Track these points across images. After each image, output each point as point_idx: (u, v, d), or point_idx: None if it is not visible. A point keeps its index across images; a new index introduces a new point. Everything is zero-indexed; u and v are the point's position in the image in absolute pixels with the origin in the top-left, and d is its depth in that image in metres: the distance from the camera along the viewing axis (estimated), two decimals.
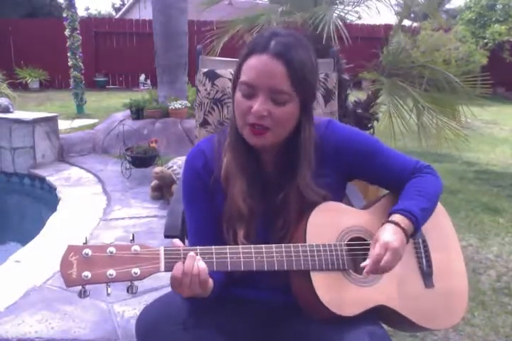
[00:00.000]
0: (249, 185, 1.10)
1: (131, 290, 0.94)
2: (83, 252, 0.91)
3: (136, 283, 0.94)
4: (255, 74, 1.02)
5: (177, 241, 0.99)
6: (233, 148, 1.12)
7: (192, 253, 0.96)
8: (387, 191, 1.26)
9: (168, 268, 0.95)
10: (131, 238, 0.97)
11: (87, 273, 0.90)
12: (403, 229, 1.06)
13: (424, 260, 1.15)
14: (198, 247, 0.98)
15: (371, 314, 1.07)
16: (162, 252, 0.95)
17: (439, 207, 1.22)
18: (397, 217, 1.08)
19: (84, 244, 0.93)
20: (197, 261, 0.95)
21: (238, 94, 1.06)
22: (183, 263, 0.94)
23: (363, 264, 1.03)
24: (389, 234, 1.05)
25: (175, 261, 0.95)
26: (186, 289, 0.96)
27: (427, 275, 1.14)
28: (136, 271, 0.92)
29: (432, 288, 1.13)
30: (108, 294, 0.91)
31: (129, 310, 2.19)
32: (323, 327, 1.06)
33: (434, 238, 1.18)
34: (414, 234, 1.10)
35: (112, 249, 0.93)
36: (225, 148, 1.14)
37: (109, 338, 1.99)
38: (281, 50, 1.01)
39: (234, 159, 1.11)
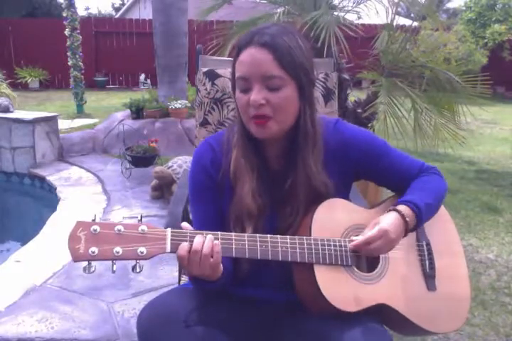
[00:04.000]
0: (257, 183, 1.11)
1: (135, 270, 0.95)
2: (91, 228, 0.92)
3: (141, 262, 0.94)
4: (245, 67, 1.05)
5: (185, 224, 0.99)
6: (240, 146, 1.14)
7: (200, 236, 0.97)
8: (389, 191, 1.26)
9: (174, 249, 0.95)
10: (138, 218, 0.98)
11: (94, 249, 0.91)
12: (405, 220, 1.08)
13: (427, 263, 1.15)
14: (204, 231, 0.99)
15: (372, 313, 1.07)
16: (169, 233, 0.96)
17: (444, 211, 1.23)
18: (402, 207, 1.10)
19: (92, 220, 0.94)
20: (211, 241, 0.96)
21: (237, 92, 1.09)
22: (190, 243, 0.95)
23: (353, 237, 1.05)
24: (390, 223, 1.06)
25: (181, 242, 0.96)
26: (196, 267, 0.96)
27: (429, 278, 1.14)
28: (142, 250, 0.93)
29: (434, 291, 1.13)
30: (113, 271, 0.93)
31: (129, 309, 2.18)
32: (324, 324, 1.06)
33: (438, 242, 1.18)
34: (415, 228, 1.11)
35: (120, 227, 0.94)
36: (233, 144, 1.15)
37: (109, 338, 1.98)
38: (265, 39, 1.04)
39: (242, 157, 1.13)
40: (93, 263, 0.92)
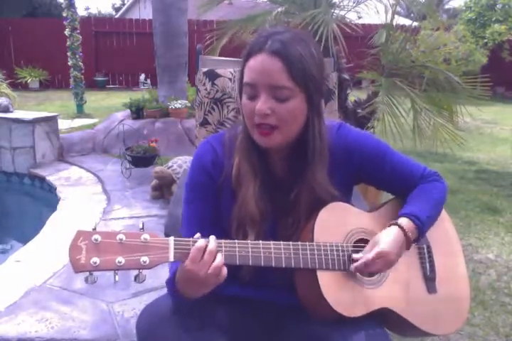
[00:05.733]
0: (260, 188, 1.10)
1: (138, 279, 0.93)
2: (92, 238, 0.90)
3: (143, 271, 0.93)
4: (254, 74, 1.03)
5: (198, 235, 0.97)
6: (244, 151, 1.12)
7: (213, 246, 0.95)
8: (389, 194, 1.26)
9: (177, 257, 0.94)
10: (140, 226, 0.96)
11: (96, 260, 0.88)
12: (406, 234, 1.07)
13: (427, 265, 1.15)
14: (207, 239, 0.97)
15: (374, 317, 1.06)
16: (172, 242, 0.95)
17: (443, 213, 1.22)
18: (404, 221, 1.09)
19: (93, 230, 0.92)
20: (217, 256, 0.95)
21: (243, 97, 1.07)
22: (202, 257, 0.93)
23: (354, 255, 1.04)
24: (390, 241, 1.05)
25: (184, 251, 0.94)
26: (202, 274, 0.94)
27: (430, 280, 1.14)
28: (145, 259, 0.91)
29: (434, 294, 1.13)
30: (116, 281, 0.91)
31: (129, 310, 2.18)
32: (325, 328, 1.05)
33: (438, 244, 1.19)
34: (416, 240, 1.11)
35: (122, 236, 0.91)
36: (236, 147, 1.13)
37: (109, 338, 1.98)
38: (277, 47, 1.00)
39: (246, 163, 1.11)
40: (95, 273, 0.90)
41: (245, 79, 1.05)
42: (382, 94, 3.15)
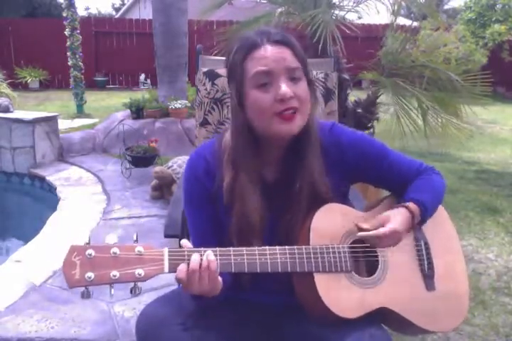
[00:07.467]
0: (260, 197, 1.09)
1: (134, 292, 0.93)
2: (86, 253, 0.90)
3: (139, 284, 0.93)
4: (267, 61, 1.03)
5: (184, 242, 0.97)
6: (240, 160, 1.09)
7: (196, 254, 0.95)
8: (387, 192, 1.26)
9: (172, 269, 0.94)
10: (134, 238, 0.96)
11: (91, 274, 0.89)
12: (413, 217, 1.10)
13: (425, 262, 1.15)
14: (202, 248, 0.97)
15: (373, 316, 1.06)
16: (166, 253, 0.94)
17: (442, 211, 1.23)
18: (412, 206, 1.11)
19: (87, 244, 0.92)
20: (206, 256, 0.95)
21: (253, 92, 1.04)
22: (187, 264, 0.94)
23: (362, 225, 1.07)
24: (400, 220, 1.08)
25: (179, 262, 0.94)
26: (195, 286, 0.95)
27: (428, 278, 1.14)
28: (140, 272, 0.91)
29: (433, 291, 1.13)
30: (111, 295, 0.91)
31: (129, 310, 2.18)
32: (324, 329, 1.05)
33: (436, 241, 1.19)
34: (418, 224, 1.13)
35: (116, 250, 0.92)
36: (226, 161, 1.11)
37: (109, 338, 1.98)
38: (279, 37, 1.06)
39: (243, 174, 1.08)
40: (91, 287, 0.90)
41: (255, 69, 1.03)
42: (390, 95, 3.15)
